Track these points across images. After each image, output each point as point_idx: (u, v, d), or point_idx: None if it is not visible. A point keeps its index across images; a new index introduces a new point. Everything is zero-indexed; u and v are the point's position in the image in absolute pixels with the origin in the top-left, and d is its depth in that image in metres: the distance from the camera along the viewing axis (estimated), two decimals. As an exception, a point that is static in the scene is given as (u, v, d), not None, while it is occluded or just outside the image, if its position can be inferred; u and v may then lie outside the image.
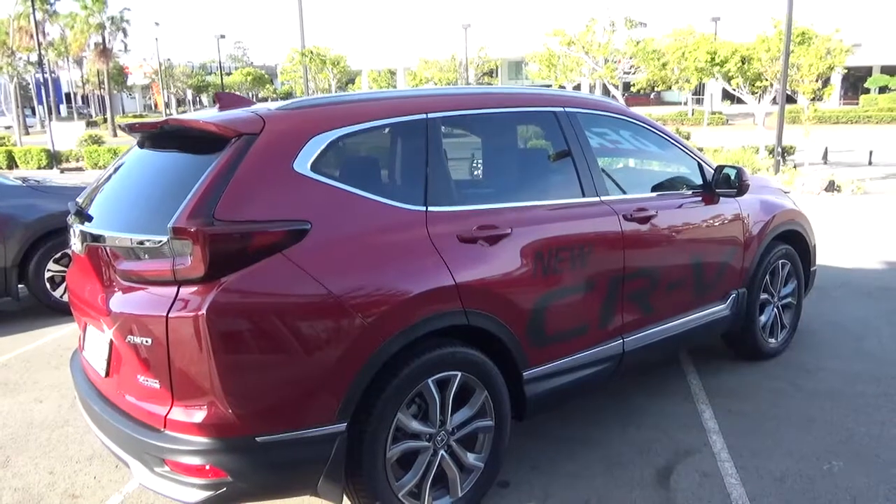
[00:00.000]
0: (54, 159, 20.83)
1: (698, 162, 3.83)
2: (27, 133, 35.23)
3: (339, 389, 2.29)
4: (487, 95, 3.14)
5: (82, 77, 54.58)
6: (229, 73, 59.60)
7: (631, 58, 19.31)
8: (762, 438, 3.32)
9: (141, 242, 2.26)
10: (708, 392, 3.88)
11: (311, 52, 28.68)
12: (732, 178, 3.66)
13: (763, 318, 4.26)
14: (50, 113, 36.35)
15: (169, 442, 2.20)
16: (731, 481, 2.96)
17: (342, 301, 2.28)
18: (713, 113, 37.09)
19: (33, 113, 40.51)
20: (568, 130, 3.20)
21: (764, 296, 4.23)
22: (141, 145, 2.79)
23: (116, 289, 2.40)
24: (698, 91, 39.01)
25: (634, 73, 20.21)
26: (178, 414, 2.19)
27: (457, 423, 2.67)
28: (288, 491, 2.42)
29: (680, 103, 45.06)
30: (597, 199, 3.19)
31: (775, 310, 4.35)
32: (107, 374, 2.50)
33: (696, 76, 17.06)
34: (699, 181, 3.80)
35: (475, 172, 3.21)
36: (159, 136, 2.70)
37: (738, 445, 3.26)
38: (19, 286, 5.74)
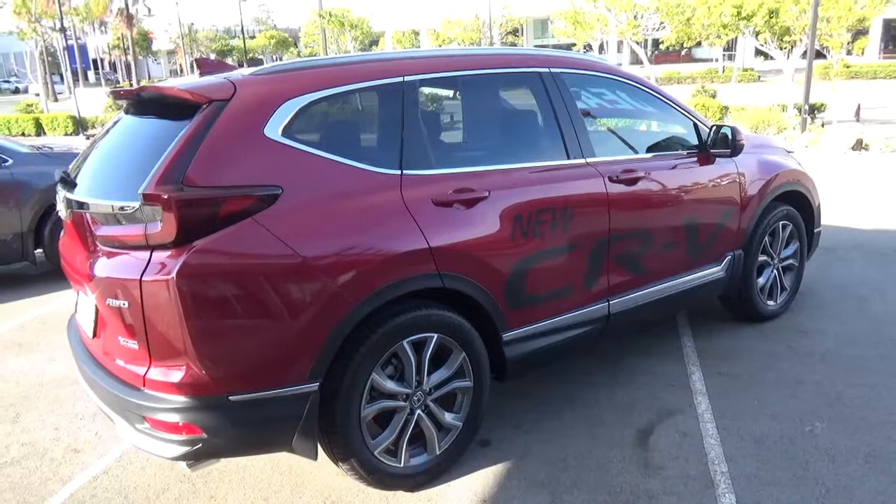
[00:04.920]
0: (80, 126, 21.13)
1: (693, 122, 3.76)
2: (55, 100, 35.69)
3: (310, 350, 2.35)
4: (468, 57, 3.12)
5: (108, 43, 54.89)
6: (253, 37, 59.47)
7: (655, 12, 18.77)
8: (748, 400, 3.33)
9: (119, 208, 2.32)
10: (700, 354, 3.88)
11: (330, 14, 28.39)
12: (725, 137, 3.60)
13: (761, 281, 4.21)
14: (77, 79, 36.75)
15: (148, 400, 2.29)
16: (711, 441, 2.98)
17: (312, 265, 2.32)
18: (745, 69, 36.05)
19: (62, 80, 40.99)
20: (553, 91, 3.16)
21: (763, 257, 4.18)
22: (126, 112, 2.84)
23: (98, 254, 2.47)
24: (730, 47, 37.90)
25: (660, 30, 19.67)
26: (155, 374, 2.28)
27: (434, 384, 2.73)
28: (264, 447, 2.51)
29: (711, 60, 43.80)
30: (582, 160, 3.16)
31: (775, 272, 4.30)
32: (94, 336, 2.60)
33: (723, 32, 16.53)
34: (694, 141, 3.73)
35: (455, 136, 3.20)
36: (140, 103, 2.74)
37: (722, 407, 3.27)
38: (36, 251, 5.92)
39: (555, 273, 3.03)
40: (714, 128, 3.68)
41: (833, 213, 6.96)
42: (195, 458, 2.33)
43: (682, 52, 39.58)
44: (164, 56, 67.92)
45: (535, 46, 54.79)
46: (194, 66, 2.92)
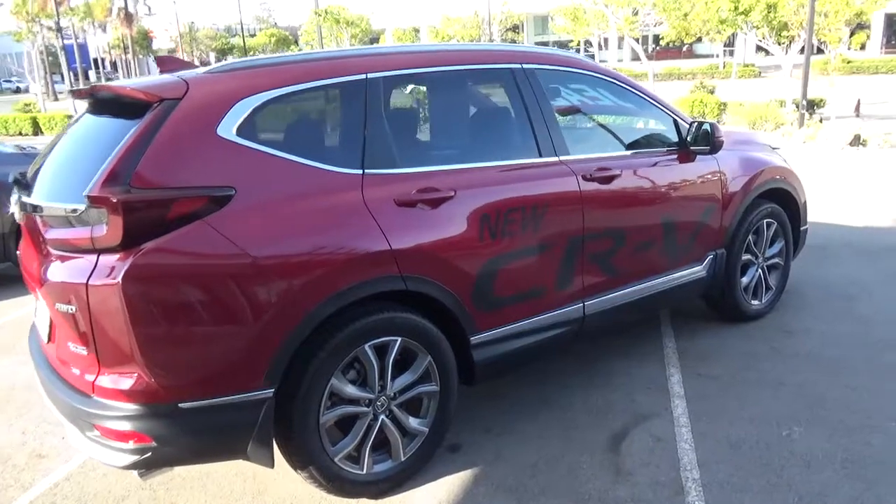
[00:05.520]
0: (78, 125, 21.07)
1: (673, 118, 3.68)
2: (56, 99, 35.67)
3: (264, 356, 2.29)
4: (436, 53, 3.04)
5: (108, 43, 54.84)
6: (253, 35, 59.35)
7: (653, 8, 18.61)
8: (726, 403, 3.26)
9: (70, 211, 2.26)
10: (681, 354, 3.81)
11: (325, 12, 28.31)
12: (704, 134, 3.52)
13: (745, 280, 4.14)
14: (77, 78, 36.75)
15: (97, 408, 2.23)
16: (685, 446, 2.91)
17: (265, 268, 2.26)
18: (745, 65, 35.88)
19: (63, 79, 40.97)
20: (525, 88, 3.09)
21: (746, 256, 4.10)
22: (88, 111, 2.78)
23: (49, 258, 2.41)
24: (731, 43, 37.70)
25: (658, 26, 19.52)
26: (104, 380, 2.22)
27: (398, 388, 2.66)
28: (218, 455, 2.45)
29: (712, 56, 43.61)
30: (555, 159, 3.09)
31: (759, 271, 4.22)
32: (49, 341, 2.54)
33: (721, 27, 16.41)
34: (674, 138, 3.66)
35: (421, 134, 3.13)
36: (97, 103, 2.67)
37: (699, 410, 3.20)
38: (17, 252, 5.86)
39: (526, 274, 2.96)
40: (693, 124, 3.61)
41: (825, 210, 6.88)
42: (145, 466, 2.27)
43: (684, 48, 39.40)
44: (164, 55, 67.78)
45: (536, 43, 54.73)
46: (156, 63, 2.85)
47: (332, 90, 2.65)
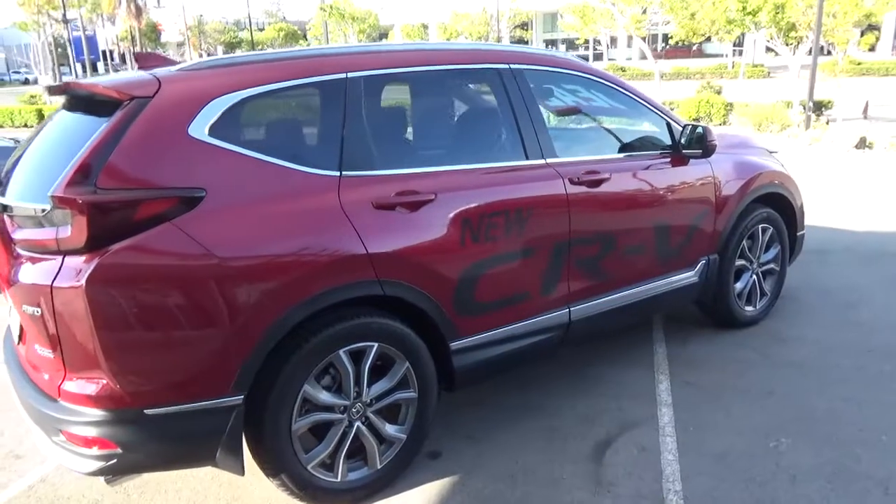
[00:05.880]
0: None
1: (666, 121, 3.61)
2: (63, 91, 35.60)
3: (233, 362, 2.24)
4: (421, 53, 2.98)
5: (117, 35, 54.97)
6: (262, 29, 59.35)
7: (660, 7, 18.45)
8: (713, 412, 3.19)
9: (33, 211, 2.22)
10: (671, 361, 3.74)
11: (331, 7, 28.27)
12: (697, 137, 3.45)
13: (739, 286, 4.07)
14: (85, 70, 36.83)
15: (62, 412, 2.19)
16: (669, 457, 2.85)
17: (235, 271, 2.21)
18: (755, 65, 35.61)
19: (71, 71, 41.07)
20: (512, 89, 3.03)
21: (740, 262, 4.03)
22: (63, 108, 2.73)
23: (18, 259, 2.36)
24: (740, 42, 37.43)
25: (667, 25, 19.37)
26: (70, 385, 2.17)
27: (375, 395, 2.61)
28: (185, 462, 2.40)
29: (722, 55, 43.30)
30: (542, 161, 3.03)
31: (754, 276, 4.15)
32: (19, 342, 2.50)
33: (729, 27, 16.26)
34: (666, 141, 3.59)
35: (403, 136, 3.07)
36: (72, 100, 2.62)
37: (685, 419, 3.14)
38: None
39: (509, 279, 2.91)
40: (686, 127, 3.54)
41: (827, 214, 6.79)
42: (111, 473, 2.23)
43: (694, 48, 39.19)
44: (172, 48, 68.04)
45: (544, 41, 54.45)
46: (135, 59, 2.80)
47: (311, 89, 2.59)
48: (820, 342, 3.91)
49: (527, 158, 3.00)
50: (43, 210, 2.18)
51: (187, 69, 2.43)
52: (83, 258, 2.07)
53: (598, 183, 3.16)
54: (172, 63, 2.76)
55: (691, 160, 3.59)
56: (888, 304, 4.46)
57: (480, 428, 3.14)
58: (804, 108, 13.70)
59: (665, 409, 3.24)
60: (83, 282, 2.03)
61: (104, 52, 60.87)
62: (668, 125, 3.60)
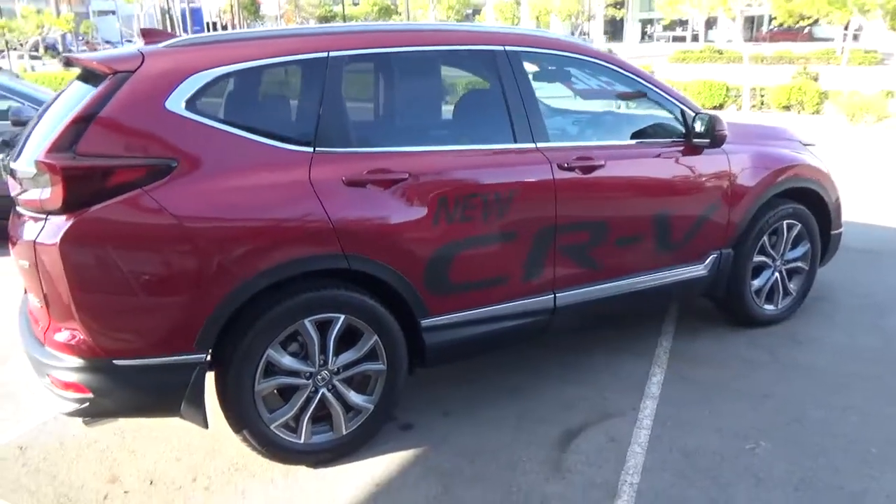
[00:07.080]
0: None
1: (680, 108, 3.49)
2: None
3: (195, 323, 2.39)
4: (409, 33, 3.02)
5: (220, 8, 57.21)
6: (356, 4, 60.10)
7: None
8: (700, 410, 3.11)
9: (27, 174, 2.43)
10: (673, 355, 3.66)
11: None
12: (706, 126, 3.33)
13: (757, 283, 3.90)
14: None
15: (48, 358, 2.42)
16: (636, 449, 2.82)
17: (199, 239, 2.35)
18: (867, 51, 33.02)
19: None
20: (505, 72, 3.01)
21: (760, 258, 3.86)
22: (77, 78, 2.95)
23: (20, 218, 2.60)
24: (853, 26, 34.76)
25: (756, 6, 18.28)
26: (53, 332, 2.40)
27: (342, 364, 2.72)
28: (152, 411, 2.60)
29: (832, 39, 40.41)
30: (531, 145, 3.01)
31: (776, 274, 3.96)
32: (25, 293, 2.76)
33: (828, 9, 15.17)
34: (676, 128, 3.47)
35: (384, 116, 3.12)
36: (81, 72, 2.83)
37: (667, 414, 3.08)
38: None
39: (486, 261, 2.93)
40: (697, 116, 3.41)
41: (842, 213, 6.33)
42: (85, 415, 2.45)
43: (804, 31, 36.75)
44: (272, 20, 70.07)
45: (639, 20, 52.43)
46: (140, 34, 2.98)
47: (292, 67, 2.69)
48: (837, 346, 3.72)
49: (515, 142, 3.00)
50: (31, 173, 2.39)
51: (172, 45, 2.57)
52: (60, 219, 2.27)
53: (591, 169, 3.11)
54: (172, 37, 2.92)
55: (704, 150, 3.46)
56: (931, 312, 4.16)
57: (459, 405, 3.19)
58: (906, 99, 12.67)
59: (649, 402, 3.18)
60: (58, 240, 2.23)
61: (208, 24, 63.55)
62: (682, 112, 3.48)
